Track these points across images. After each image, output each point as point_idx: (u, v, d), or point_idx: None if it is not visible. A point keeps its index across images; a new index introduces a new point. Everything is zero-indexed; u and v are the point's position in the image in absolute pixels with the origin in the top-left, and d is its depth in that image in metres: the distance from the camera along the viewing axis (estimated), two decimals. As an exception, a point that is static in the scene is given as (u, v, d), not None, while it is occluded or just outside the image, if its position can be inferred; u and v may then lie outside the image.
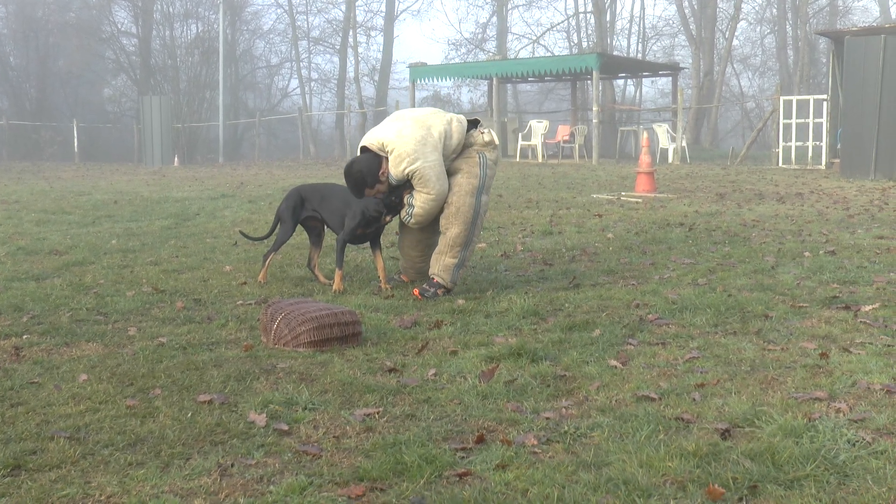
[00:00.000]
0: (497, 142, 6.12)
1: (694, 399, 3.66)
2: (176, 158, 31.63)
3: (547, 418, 3.48)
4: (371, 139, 5.92)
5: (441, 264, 5.94)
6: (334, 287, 6.09)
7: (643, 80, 40.13)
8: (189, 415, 3.56)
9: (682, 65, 34.38)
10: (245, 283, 6.51)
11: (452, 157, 6.00)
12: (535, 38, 41.09)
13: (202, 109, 38.83)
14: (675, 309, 5.30)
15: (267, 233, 6.75)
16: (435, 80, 28.51)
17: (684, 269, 6.68)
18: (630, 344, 4.58)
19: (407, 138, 5.81)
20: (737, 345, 4.50)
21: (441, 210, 5.95)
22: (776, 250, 7.44)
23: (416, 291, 5.91)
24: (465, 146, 6.03)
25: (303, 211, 6.47)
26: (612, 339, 4.65)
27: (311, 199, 6.45)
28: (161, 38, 40.58)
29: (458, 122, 6.02)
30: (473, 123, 6.13)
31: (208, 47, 39.16)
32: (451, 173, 5.99)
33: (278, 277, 6.75)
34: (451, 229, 5.92)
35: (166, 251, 8.25)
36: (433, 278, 5.95)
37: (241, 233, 7.36)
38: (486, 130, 6.10)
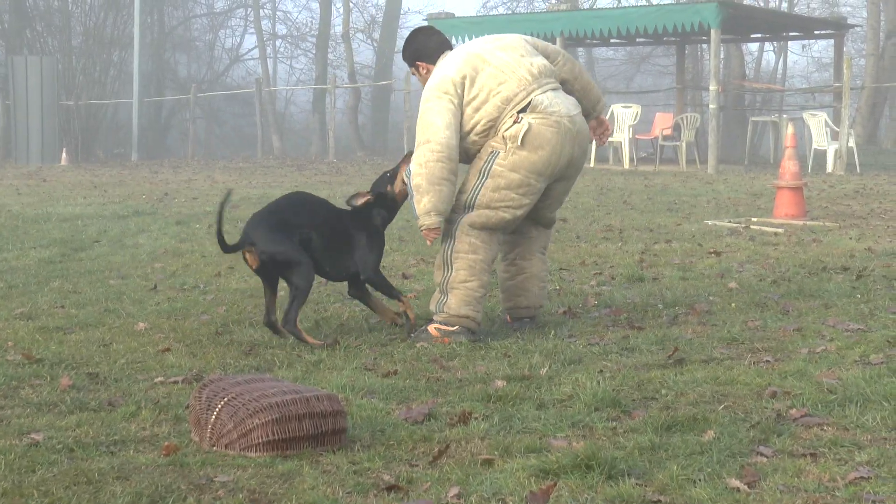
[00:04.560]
0: (519, 139, 6.82)
1: (860, 543, 3.66)
2: (64, 153, 31.93)
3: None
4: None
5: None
6: (412, 316, 6.98)
7: (789, 43, 40.17)
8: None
9: (851, 20, 34.40)
10: (168, 349, 6.54)
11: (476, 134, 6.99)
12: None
13: (107, 79, 39.15)
14: (834, 401, 5.26)
15: (234, 245, 6.96)
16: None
17: (848, 340, 6.65)
18: (761, 455, 4.56)
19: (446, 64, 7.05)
20: (929, 459, 4.48)
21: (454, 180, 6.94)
22: None
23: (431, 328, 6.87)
24: (494, 130, 6.95)
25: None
26: (732, 447, 4.62)
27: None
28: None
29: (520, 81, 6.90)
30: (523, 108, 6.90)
31: (118, -16, 39.58)
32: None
33: (217, 340, 6.78)
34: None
35: (46, 298, 8.30)
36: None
37: (220, 232, 6.87)
38: (522, 119, 6.82)
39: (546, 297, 7.48)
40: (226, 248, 6.85)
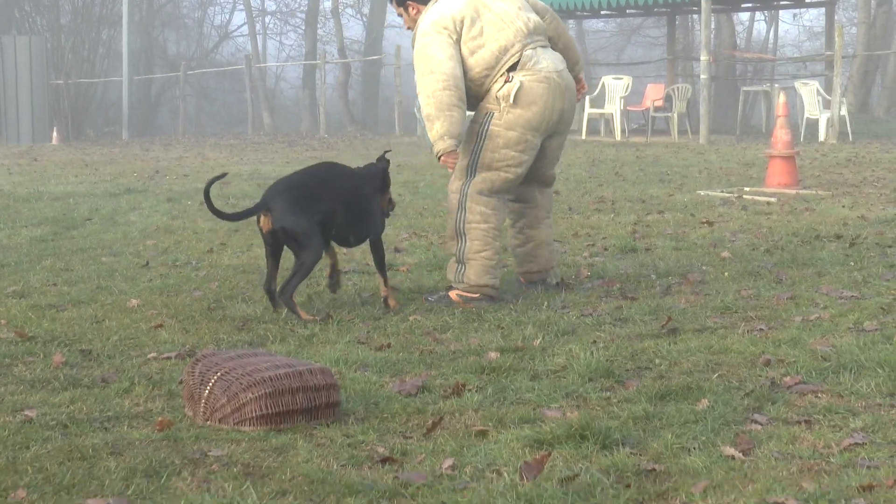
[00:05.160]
0: (511, 97, 7.07)
1: (856, 509, 3.67)
2: (55, 132, 31.87)
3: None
4: None
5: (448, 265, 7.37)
6: (392, 304, 6.94)
7: (780, 12, 40.13)
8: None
9: (840, -11, 34.36)
10: (161, 325, 6.55)
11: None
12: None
13: (96, 57, 39.06)
14: (828, 369, 5.28)
15: (240, 212, 7.04)
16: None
17: (842, 307, 6.66)
18: (756, 422, 4.57)
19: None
20: (923, 424, 4.49)
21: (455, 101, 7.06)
22: None
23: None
24: (484, 90, 7.18)
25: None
26: (727, 415, 4.64)
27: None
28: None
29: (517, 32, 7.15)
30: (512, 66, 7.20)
31: (106, -38, 39.44)
32: None
33: (209, 315, 6.78)
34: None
35: (39, 276, 8.30)
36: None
37: (211, 206, 6.89)
38: (513, 78, 7.10)
39: (556, 258, 7.74)
40: (228, 216, 7.06)
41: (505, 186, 7.23)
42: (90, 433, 4.57)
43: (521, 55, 7.12)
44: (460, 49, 7.13)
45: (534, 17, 7.29)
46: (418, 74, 7.20)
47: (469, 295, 7.10)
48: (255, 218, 6.86)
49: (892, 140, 23.76)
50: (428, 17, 7.21)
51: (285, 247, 6.82)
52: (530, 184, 7.45)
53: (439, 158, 7.16)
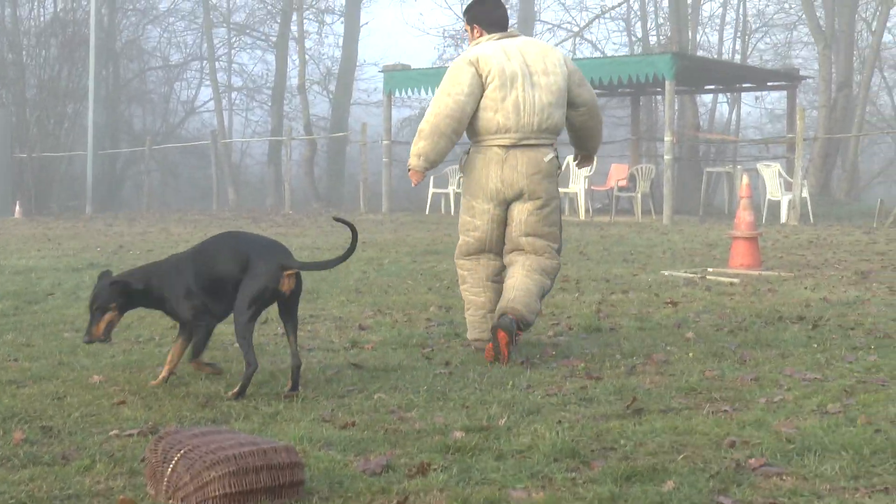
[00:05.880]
0: (461, 166, 8.13)
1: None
2: (17, 206, 31.80)
3: None
4: None
5: None
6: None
7: (743, 95, 40.57)
8: None
9: (803, 72, 34.82)
10: (123, 402, 6.50)
11: None
12: (576, 29, 41.67)
13: (61, 131, 39.07)
14: (793, 451, 5.29)
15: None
16: (422, 90, 28.80)
17: (806, 389, 6.68)
18: (722, 504, 4.57)
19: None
20: (888, 508, 4.50)
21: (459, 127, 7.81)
22: (948, 360, 7.47)
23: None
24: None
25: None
26: (692, 497, 4.63)
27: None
28: (-2, 19, 40.93)
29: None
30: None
31: (73, 35, 39.57)
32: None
33: (172, 392, 6.74)
34: None
35: None
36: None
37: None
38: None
39: (521, 308, 7.68)
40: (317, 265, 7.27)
41: (469, 249, 7.95)
42: (50, 511, 4.53)
43: (509, 144, 7.79)
44: (482, 92, 7.76)
45: (557, 116, 7.88)
46: (438, 88, 7.88)
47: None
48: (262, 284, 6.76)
49: (853, 222, 23.98)
50: (478, 48, 7.86)
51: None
52: (510, 251, 7.94)
53: (409, 170, 7.86)
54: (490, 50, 7.80)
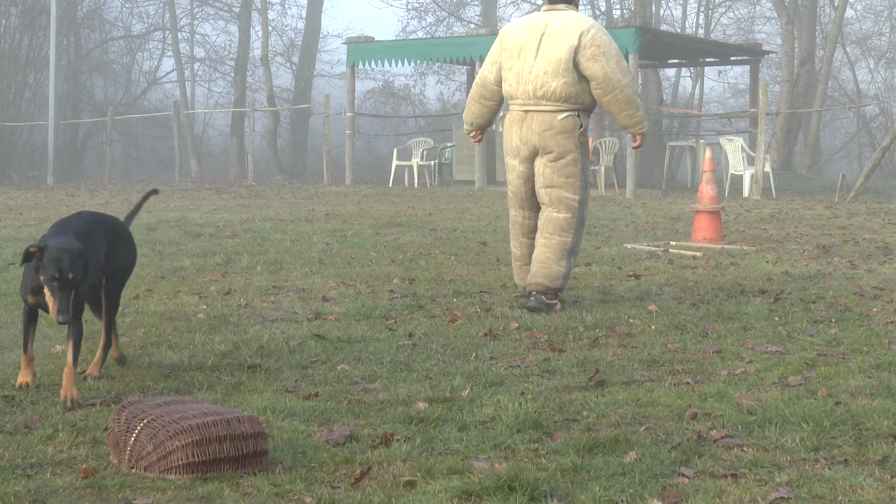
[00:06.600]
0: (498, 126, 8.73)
1: (781, 561, 3.70)
2: (-21, 176, 31.57)
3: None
4: None
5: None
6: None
7: (706, 69, 40.65)
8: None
9: (766, 47, 34.89)
10: (86, 371, 6.48)
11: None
12: (540, 2, 41.58)
13: (22, 101, 38.75)
14: (754, 423, 5.32)
15: None
16: (386, 63, 28.73)
17: (767, 362, 6.73)
18: (683, 476, 4.60)
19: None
20: (849, 480, 4.53)
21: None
22: (907, 334, 7.53)
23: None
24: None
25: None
26: (654, 468, 4.66)
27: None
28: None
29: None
30: None
31: (34, 4, 39.24)
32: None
33: (135, 362, 6.72)
34: None
35: (-38, 320, 8.20)
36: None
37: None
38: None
39: (541, 280, 8.54)
40: None
41: (511, 202, 9.02)
42: (12, 480, 4.51)
43: (522, 109, 8.64)
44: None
45: (555, 84, 8.50)
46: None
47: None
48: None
49: (815, 197, 24.09)
50: (512, 21, 8.91)
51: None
52: (541, 210, 8.78)
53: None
54: (518, 22, 8.75)
